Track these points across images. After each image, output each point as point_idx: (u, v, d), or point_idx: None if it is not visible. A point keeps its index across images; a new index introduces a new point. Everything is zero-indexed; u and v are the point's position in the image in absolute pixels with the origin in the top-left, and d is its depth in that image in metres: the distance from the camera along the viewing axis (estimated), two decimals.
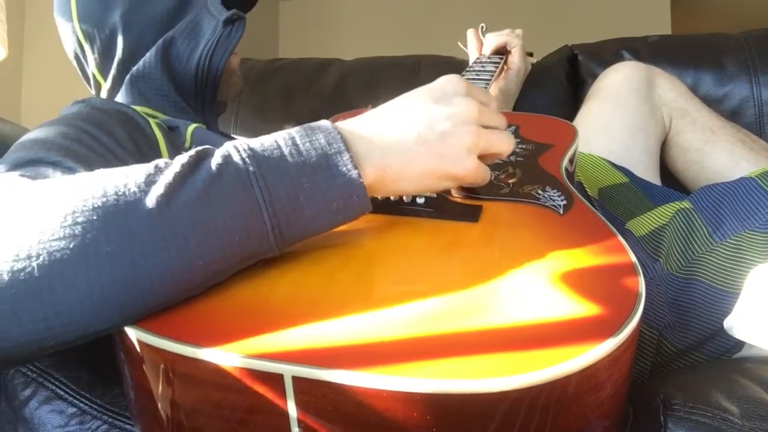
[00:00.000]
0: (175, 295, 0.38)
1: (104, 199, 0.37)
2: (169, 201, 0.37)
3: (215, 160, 0.39)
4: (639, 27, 1.62)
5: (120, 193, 0.37)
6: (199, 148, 0.41)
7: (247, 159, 0.40)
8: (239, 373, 0.34)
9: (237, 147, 0.41)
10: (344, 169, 0.41)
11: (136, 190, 0.37)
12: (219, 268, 0.39)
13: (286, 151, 0.40)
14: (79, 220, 0.36)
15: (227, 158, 0.40)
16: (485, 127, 0.47)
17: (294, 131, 0.42)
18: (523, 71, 1.09)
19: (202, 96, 0.74)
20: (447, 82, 0.48)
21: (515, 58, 1.06)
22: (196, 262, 0.38)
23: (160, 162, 0.40)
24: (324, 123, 0.43)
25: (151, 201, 0.37)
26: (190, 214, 0.37)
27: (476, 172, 0.46)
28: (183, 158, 0.40)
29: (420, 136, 0.44)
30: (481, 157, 0.48)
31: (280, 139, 0.41)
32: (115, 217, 0.36)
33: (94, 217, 0.36)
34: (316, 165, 0.40)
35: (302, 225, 0.41)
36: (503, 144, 0.48)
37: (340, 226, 0.43)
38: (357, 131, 0.43)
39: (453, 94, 0.46)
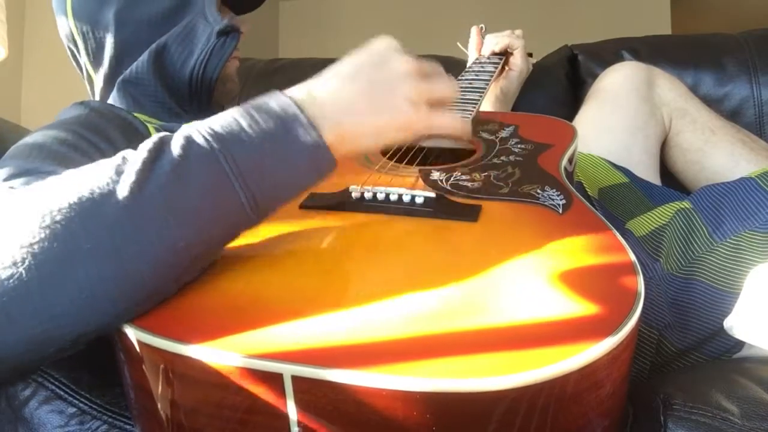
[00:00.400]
0: (167, 282, 0.38)
1: (78, 195, 0.37)
2: (142, 187, 0.38)
3: (178, 142, 0.40)
4: (639, 27, 1.62)
5: (93, 187, 0.37)
6: (161, 133, 0.42)
7: (208, 137, 0.41)
8: (239, 373, 0.34)
9: (197, 128, 0.42)
10: (302, 130, 0.42)
11: (108, 181, 0.38)
12: (203, 248, 0.40)
13: (244, 124, 0.42)
14: (57, 218, 0.36)
15: (189, 139, 0.41)
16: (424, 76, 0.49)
17: (247, 105, 0.43)
18: (525, 72, 1.09)
19: (198, 100, 0.74)
20: (380, 43, 0.50)
21: (517, 60, 1.05)
22: (178, 244, 0.38)
23: (127, 152, 0.40)
24: (275, 93, 0.44)
25: (123, 190, 0.37)
26: (163, 198, 0.38)
27: (429, 120, 0.48)
28: (147, 144, 0.40)
29: (366, 94, 0.46)
30: (434, 105, 0.49)
31: (236, 114, 0.43)
32: (91, 211, 0.37)
33: (72, 214, 0.36)
34: (275, 131, 0.42)
35: (274, 190, 0.42)
36: (443, 87, 0.50)
37: (312, 186, 0.44)
38: (308, 96, 0.45)
39: (386, 51, 0.49)
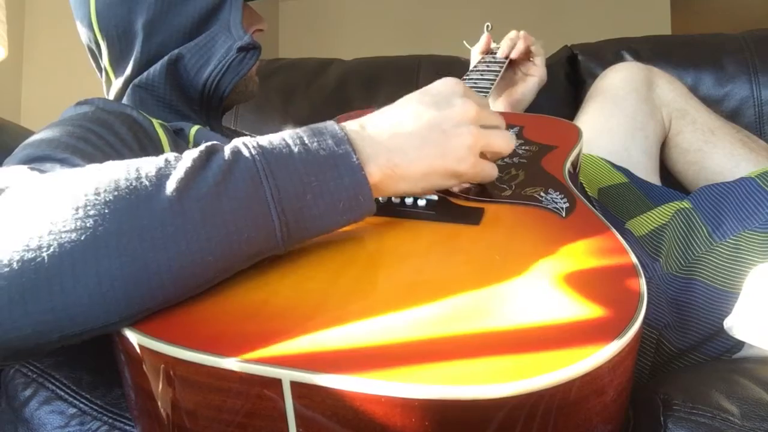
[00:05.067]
0: (183, 291, 0.38)
1: (116, 193, 0.37)
2: (181, 196, 0.38)
3: (225, 156, 0.40)
4: (639, 27, 1.62)
5: (132, 187, 0.38)
6: (208, 143, 0.42)
7: (256, 156, 0.40)
8: (238, 378, 0.34)
9: (246, 144, 0.41)
10: (351, 170, 0.42)
11: (147, 184, 0.38)
12: (227, 264, 0.40)
13: (295, 150, 0.41)
14: (91, 212, 0.36)
15: (237, 155, 0.41)
16: (484, 126, 0.48)
17: (301, 131, 0.43)
18: (543, 81, 1.03)
19: (208, 105, 0.73)
20: (444, 85, 0.49)
21: (540, 67, 1.01)
22: (205, 258, 0.38)
23: (170, 156, 0.40)
24: (331, 124, 0.44)
25: (162, 196, 0.37)
26: (201, 210, 0.38)
27: (475, 169, 0.48)
28: (193, 153, 0.40)
29: (423, 137, 0.46)
30: (483, 155, 0.50)
31: (288, 138, 0.42)
32: (127, 211, 0.37)
33: (106, 211, 0.37)
34: (324, 165, 0.41)
35: (309, 223, 0.42)
36: (502, 142, 0.50)
37: (345, 226, 0.43)
38: (363, 133, 0.45)
39: (451, 95, 0.48)
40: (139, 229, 0.37)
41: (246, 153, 0.41)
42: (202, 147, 0.41)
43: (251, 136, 0.45)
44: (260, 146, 0.41)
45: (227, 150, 0.41)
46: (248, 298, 0.40)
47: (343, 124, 0.45)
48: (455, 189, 0.55)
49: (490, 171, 0.50)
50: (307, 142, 0.42)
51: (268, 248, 0.41)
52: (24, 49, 1.66)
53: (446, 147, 0.46)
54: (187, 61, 0.70)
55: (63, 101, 0.70)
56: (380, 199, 0.52)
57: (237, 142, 0.42)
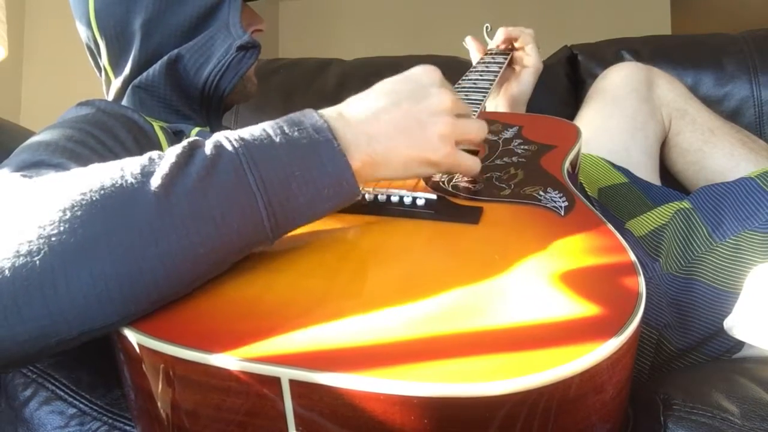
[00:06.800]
0: (177, 286, 0.38)
1: (102, 192, 0.37)
2: (167, 192, 0.38)
3: (208, 150, 0.41)
4: (639, 27, 1.62)
5: (117, 186, 0.38)
6: (191, 138, 0.42)
7: (239, 148, 0.41)
8: (237, 377, 0.34)
9: (228, 137, 0.42)
10: (333, 156, 0.42)
11: (133, 181, 0.38)
12: (218, 257, 0.40)
13: (276, 140, 0.42)
14: (78, 214, 0.36)
15: (220, 148, 0.41)
16: (458, 116, 0.49)
17: (281, 121, 0.43)
18: (539, 69, 1.02)
19: (208, 105, 0.74)
20: (423, 73, 0.50)
21: (531, 57, 1.00)
22: (196, 251, 0.38)
23: (153, 153, 0.41)
24: (309, 113, 0.44)
25: (148, 192, 0.38)
26: (188, 204, 0.38)
27: (451, 159, 0.48)
28: (176, 149, 0.40)
29: (401, 126, 0.46)
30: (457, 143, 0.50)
31: (269, 129, 0.43)
32: (114, 210, 0.37)
33: (93, 211, 0.37)
34: (305, 153, 0.42)
35: (296, 212, 0.42)
36: (475, 131, 0.50)
37: (332, 212, 0.44)
38: (342, 120, 0.45)
39: (429, 85, 0.49)
40: (127, 227, 0.37)
41: (228, 146, 0.41)
42: (184, 143, 0.41)
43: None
44: (242, 139, 0.41)
45: (209, 144, 0.41)
46: (246, 296, 0.40)
47: (322, 111, 0.45)
48: (450, 179, 0.55)
49: (469, 163, 0.50)
50: (287, 131, 0.42)
51: (257, 239, 0.41)
52: (24, 49, 1.66)
53: (422, 136, 0.47)
54: (186, 61, 0.70)
55: (63, 101, 0.70)
56: (379, 198, 0.52)
57: (218, 136, 0.42)
